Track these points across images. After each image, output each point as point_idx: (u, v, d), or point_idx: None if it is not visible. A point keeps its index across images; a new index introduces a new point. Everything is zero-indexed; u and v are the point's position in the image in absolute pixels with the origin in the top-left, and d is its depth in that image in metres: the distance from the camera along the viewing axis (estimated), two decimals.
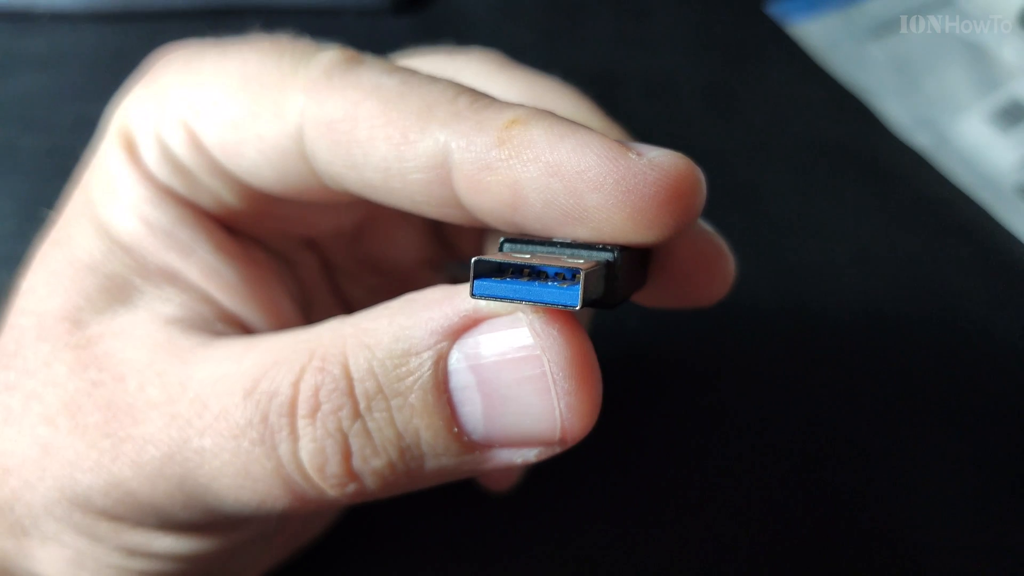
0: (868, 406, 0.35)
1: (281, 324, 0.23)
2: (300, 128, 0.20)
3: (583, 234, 0.18)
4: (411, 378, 0.18)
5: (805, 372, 0.36)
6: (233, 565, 0.25)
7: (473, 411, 0.18)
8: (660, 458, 0.33)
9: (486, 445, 0.18)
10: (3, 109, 0.43)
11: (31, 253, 0.23)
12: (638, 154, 0.17)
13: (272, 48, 0.21)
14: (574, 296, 0.16)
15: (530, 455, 0.18)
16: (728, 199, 0.41)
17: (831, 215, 0.41)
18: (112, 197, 0.22)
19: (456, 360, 0.17)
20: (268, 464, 0.19)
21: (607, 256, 0.17)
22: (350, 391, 0.18)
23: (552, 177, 0.17)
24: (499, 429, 0.18)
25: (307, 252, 0.26)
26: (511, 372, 0.17)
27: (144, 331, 0.21)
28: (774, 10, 0.50)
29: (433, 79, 0.19)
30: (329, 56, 0.20)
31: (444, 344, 0.17)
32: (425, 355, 0.17)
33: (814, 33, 0.48)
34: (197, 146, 0.21)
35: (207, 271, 0.22)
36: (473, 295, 0.16)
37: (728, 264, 0.22)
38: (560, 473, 0.31)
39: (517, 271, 0.16)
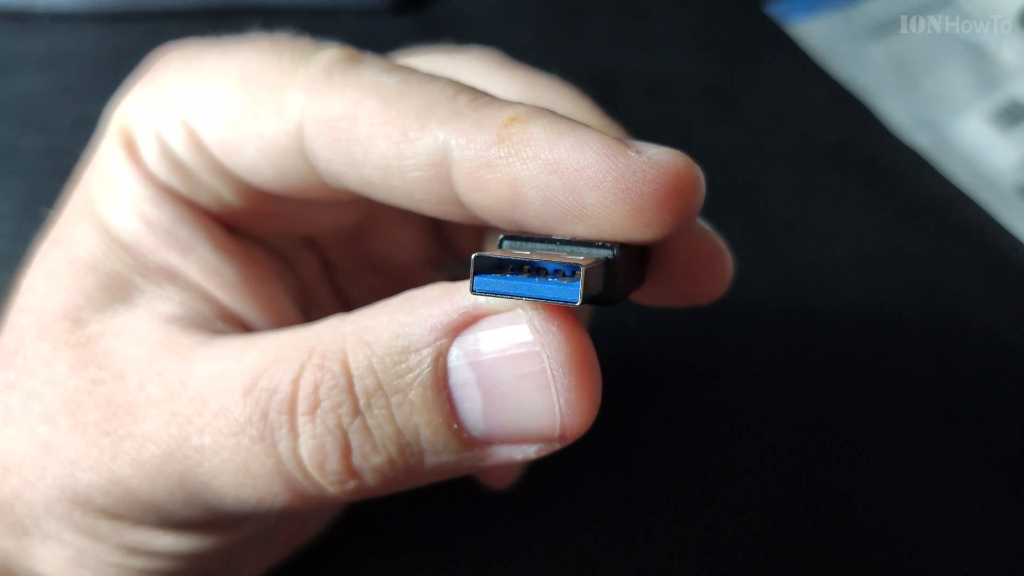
0: (868, 406, 0.35)
1: (281, 322, 0.23)
2: (300, 126, 0.20)
3: (582, 231, 0.18)
4: (411, 375, 0.18)
5: (805, 372, 0.36)
6: (233, 563, 0.25)
7: (473, 408, 0.18)
8: (660, 457, 0.33)
9: (486, 442, 0.18)
10: (3, 109, 0.43)
11: (31, 252, 0.23)
12: (637, 152, 0.17)
13: (272, 47, 0.21)
14: (574, 292, 0.16)
15: (530, 452, 0.18)
16: (728, 199, 0.41)
17: (831, 215, 0.41)
18: (112, 196, 0.22)
19: (456, 357, 0.17)
20: (268, 461, 0.19)
21: (607, 253, 0.17)
22: (350, 388, 0.18)
23: (551, 175, 0.17)
24: (499, 425, 0.18)
25: (307, 251, 0.26)
26: (511, 368, 0.17)
27: (144, 329, 0.21)
28: (774, 10, 0.50)
29: (433, 77, 0.19)
30: (329, 55, 0.20)
31: (444, 341, 0.17)
32: (425, 352, 0.17)
33: (814, 33, 0.48)
34: (197, 145, 0.21)
35: (207, 269, 0.22)
36: (473, 291, 0.16)
37: (726, 262, 0.22)
38: (560, 472, 0.31)
39: (517, 267, 0.16)
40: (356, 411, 0.18)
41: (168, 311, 0.21)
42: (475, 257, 0.16)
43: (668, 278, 0.21)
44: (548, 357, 0.17)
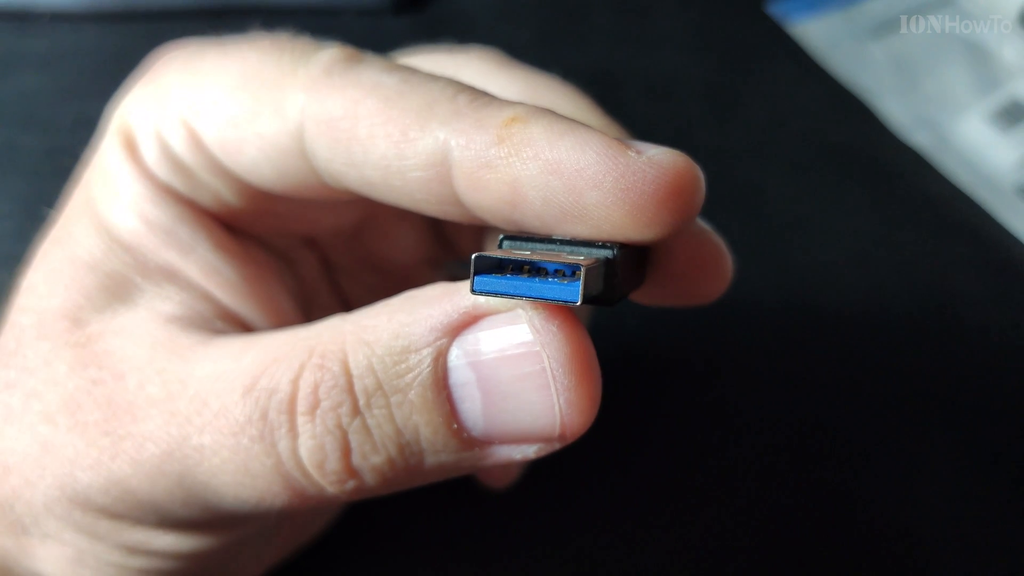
0: (868, 405, 0.35)
1: (281, 322, 0.23)
2: (300, 126, 0.20)
3: (582, 231, 0.18)
4: (411, 375, 0.18)
5: (805, 371, 0.36)
6: (233, 563, 0.25)
7: (473, 407, 0.18)
8: (660, 457, 0.33)
9: (486, 441, 0.18)
10: (3, 109, 0.43)
11: (31, 252, 0.23)
12: (637, 152, 0.17)
13: (272, 47, 0.21)
14: (575, 292, 0.16)
15: (529, 451, 0.18)
16: (728, 198, 0.41)
17: (831, 214, 0.41)
18: (112, 195, 0.22)
19: (456, 357, 0.17)
20: (267, 461, 0.19)
21: (607, 253, 0.17)
22: (349, 388, 0.18)
23: (551, 175, 0.17)
24: (499, 425, 0.18)
25: (307, 250, 0.26)
26: (511, 368, 0.17)
27: (144, 329, 0.21)
28: (774, 10, 0.50)
29: (433, 77, 0.19)
30: (329, 54, 0.20)
31: (443, 341, 0.17)
32: (425, 352, 0.17)
33: (814, 33, 0.48)
34: (197, 145, 0.21)
35: (207, 269, 0.22)
36: (473, 291, 0.16)
37: (726, 262, 0.22)
38: (560, 472, 0.31)
39: (517, 267, 0.16)
40: (356, 411, 0.18)
41: (168, 311, 0.21)
42: (475, 257, 0.16)
43: (668, 278, 0.21)
44: (548, 357, 0.17)
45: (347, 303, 0.27)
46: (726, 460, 0.33)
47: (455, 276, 0.18)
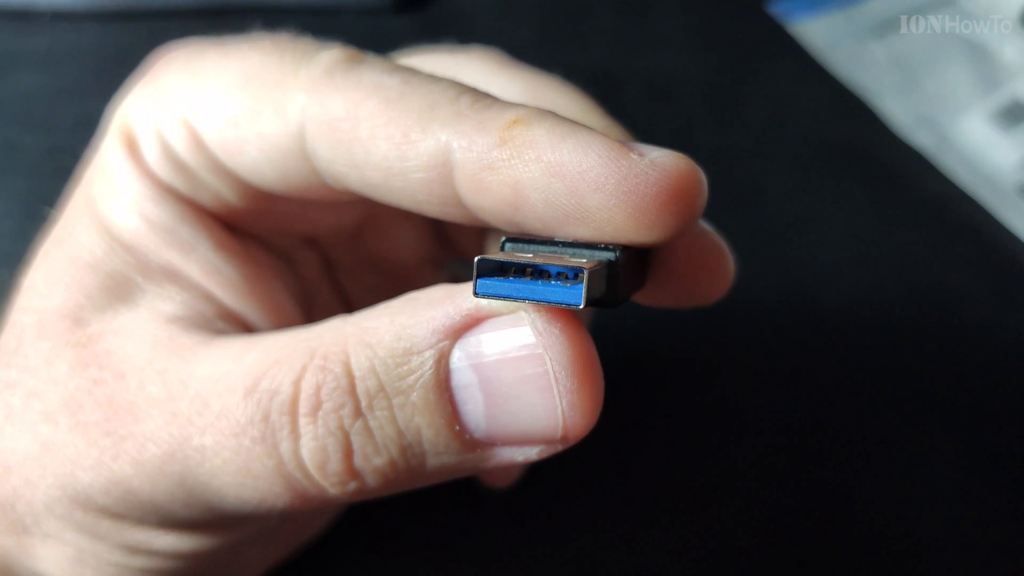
0: (869, 405, 0.35)
1: (282, 322, 0.23)
2: (301, 127, 0.20)
3: (584, 234, 0.18)
4: (413, 377, 0.18)
5: (806, 371, 0.36)
6: (234, 563, 0.25)
7: (475, 410, 0.18)
8: (660, 457, 0.33)
9: (488, 443, 0.18)
10: (4, 108, 0.43)
11: (32, 251, 0.23)
12: (640, 154, 0.17)
13: (273, 47, 0.21)
14: (577, 295, 0.16)
15: (531, 453, 0.18)
16: (729, 198, 0.41)
17: (832, 214, 0.41)
18: (113, 195, 0.22)
19: (458, 359, 0.17)
20: (269, 462, 0.19)
21: (609, 256, 0.17)
22: (351, 390, 0.18)
23: (553, 177, 0.17)
24: (501, 428, 0.18)
25: (308, 250, 0.26)
26: (513, 371, 0.17)
27: (145, 329, 0.21)
28: (775, 9, 0.50)
29: (435, 78, 0.19)
30: (330, 55, 0.20)
31: (446, 343, 0.17)
32: (427, 354, 0.17)
33: (815, 32, 0.48)
34: (198, 144, 0.21)
35: (208, 269, 0.22)
36: (476, 294, 0.16)
37: (728, 263, 0.22)
38: (560, 472, 0.31)
39: (519, 270, 0.16)
40: (358, 412, 0.18)
41: (169, 311, 0.21)
42: (478, 260, 0.16)
43: (670, 279, 0.21)
44: (551, 359, 0.17)
45: (348, 303, 0.27)
46: (726, 460, 0.33)
47: (456, 276, 0.18)
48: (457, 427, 0.18)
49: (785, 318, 0.37)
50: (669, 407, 0.34)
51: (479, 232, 0.28)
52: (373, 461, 0.18)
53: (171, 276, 0.22)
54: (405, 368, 0.18)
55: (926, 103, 0.45)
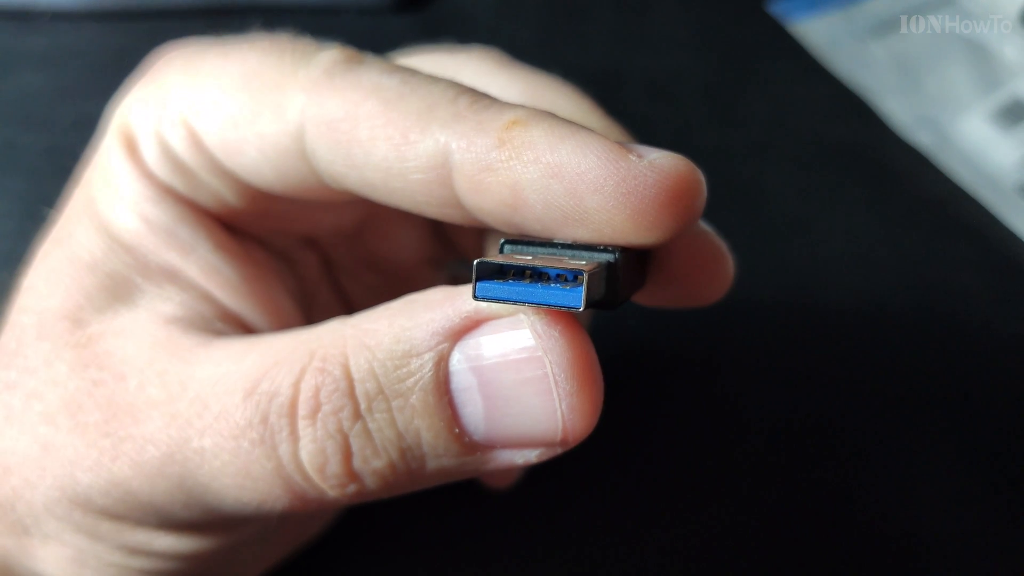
0: (869, 405, 0.35)
1: (281, 323, 0.23)
2: (301, 127, 0.20)
3: (584, 235, 0.18)
4: (412, 379, 0.18)
5: (806, 371, 0.36)
6: (233, 564, 0.25)
7: (474, 412, 0.18)
8: (660, 457, 0.33)
9: (487, 446, 0.18)
10: (3, 108, 0.43)
11: (32, 252, 0.23)
12: (639, 156, 0.17)
13: (272, 47, 0.21)
14: (577, 298, 0.16)
15: (531, 456, 0.18)
16: (729, 198, 0.41)
17: (832, 214, 0.41)
18: (113, 195, 0.22)
19: (457, 361, 0.17)
20: (268, 464, 0.19)
21: (608, 257, 0.17)
22: (351, 392, 0.18)
23: (552, 179, 0.17)
24: (500, 430, 0.18)
25: (307, 251, 0.26)
26: (512, 373, 0.17)
27: (144, 330, 0.21)
28: (775, 9, 0.50)
29: (434, 79, 0.19)
30: (330, 55, 0.20)
31: (445, 345, 0.17)
32: (426, 356, 0.17)
33: (815, 32, 0.48)
34: (197, 145, 0.21)
35: (207, 270, 0.22)
36: (476, 297, 0.16)
37: (727, 264, 0.22)
38: (560, 473, 0.31)
39: (519, 273, 0.16)
40: (357, 415, 0.18)
41: (169, 312, 0.21)
42: (477, 263, 0.16)
43: (669, 280, 0.21)
44: (550, 362, 0.17)
45: (347, 303, 0.27)
46: (726, 460, 0.33)
47: (456, 276, 0.18)
48: (456, 430, 0.18)
49: (785, 318, 0.37)
50: (669, 407, 0.34)
51: (479, 232, 0.28)
52: (372, 463, 0.18)
53: (171, 277, 0.22)
54: (404, 370, 0.18)
55: (926, 103, 0.45)
